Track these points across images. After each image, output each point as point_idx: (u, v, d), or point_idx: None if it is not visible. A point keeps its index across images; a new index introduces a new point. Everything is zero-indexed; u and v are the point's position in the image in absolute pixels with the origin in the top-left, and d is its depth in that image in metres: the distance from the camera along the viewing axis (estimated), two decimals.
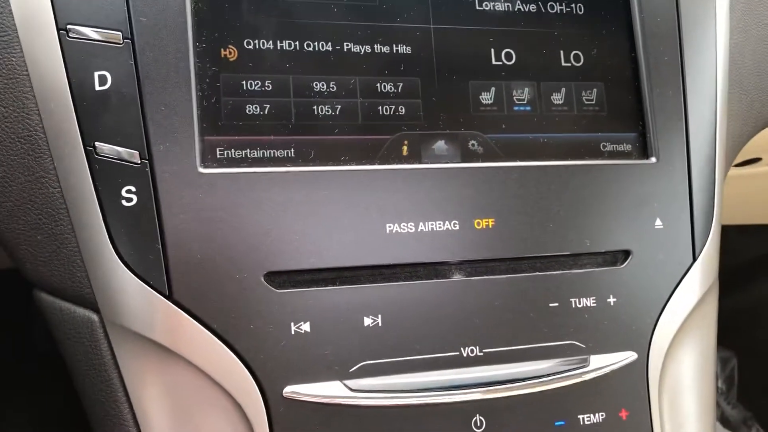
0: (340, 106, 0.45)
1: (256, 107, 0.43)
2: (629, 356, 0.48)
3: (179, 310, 0.40)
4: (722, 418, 1.33)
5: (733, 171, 0.93)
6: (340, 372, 0.42)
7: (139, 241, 0.40)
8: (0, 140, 0.40)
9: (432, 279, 0.45)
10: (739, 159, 0.88)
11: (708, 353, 0.51)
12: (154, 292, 0.40)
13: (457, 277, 0.45)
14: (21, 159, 0.40)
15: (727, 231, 1.28)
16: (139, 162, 0.40)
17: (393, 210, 0.44)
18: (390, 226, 0.44)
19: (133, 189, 0.40)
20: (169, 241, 0.40)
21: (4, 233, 0.41)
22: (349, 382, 0.42)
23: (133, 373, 0.41)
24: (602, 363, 0.47)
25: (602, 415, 0.47)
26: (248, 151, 0.43)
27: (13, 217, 0.41)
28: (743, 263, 1.33)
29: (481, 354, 0.45)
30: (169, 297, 0.40)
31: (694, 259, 0.50)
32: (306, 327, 0.42)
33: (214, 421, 0.41)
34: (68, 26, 0.40)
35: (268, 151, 0.43)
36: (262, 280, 0.42)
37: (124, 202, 0.40)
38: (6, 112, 0.40)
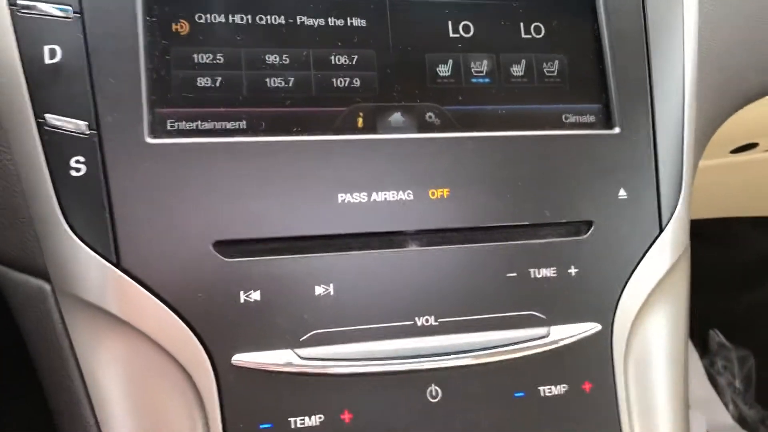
0: (293, 79, 0.45)
1: (207, 80, 0.44)
2: (592, 327, 0.47)
3: (128, 278, 0.41)
4: (740, 418, 1.30)
5: (735, 158, 0.92)
6: (290, 341, 0.42)
7: (87, 211, 0.41)
8: None
9: (386, 249, 0.45)
10: (735, 144, 0.87)
11: (678, 324, 0.50)
12: (103, 260, 0.41)
13: (412, 247, 0.45)
14: None
15: (739, 224, 1.26)
16: (88, 133, 0.41)
17: (345, 180, 0.44)
18: (342, 196, 0.44)
19: (82, 159, 0.41)
20: (117, 210, 0.41)
21: None
22: (299, 351, 0.42)
23: (84, 343, 0.42)
24: (564, 334, 0.46)
25: (564, 387, 0.46)
26: (199, 123, 0.43)
27: None
28: (758, 258, 1.30)
29: (437, 324, 0.45)
30: (118, 265, 0.41)
31: (661, 230, 0.49)
32: (256, 296, 0.42)
33: (164, 390, 0.41)
34: (18, 1, 0.41)
35: (219, 123, 0.43)
36: (211, 249, 0.42)
37: (73, 173, 0.41)
38: None
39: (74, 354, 0.42)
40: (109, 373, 0.41)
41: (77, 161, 0.41)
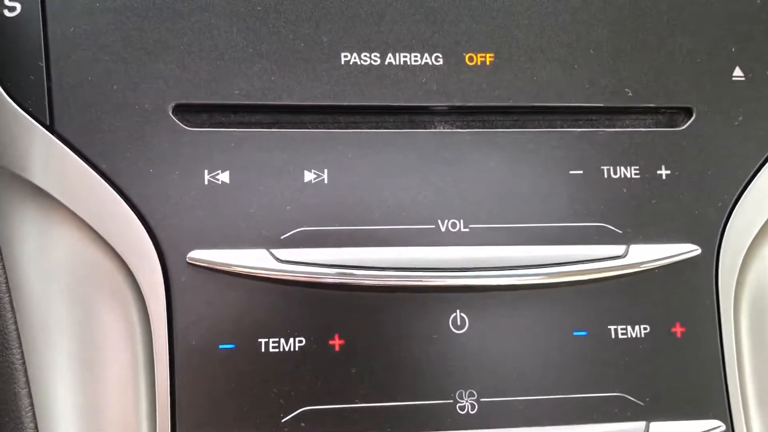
0: None
1: None
2: (688, 250, 0.34)
3: (62, 144, 0.32)
4: None
5: None
6: (266, 238, 0.32)
7: (19, 59, 0.32)
8: None
9: (402, 128, 0.34)
10: None
11: None
12: (33, 120, 0.32)
13: (437, 129, 0.34)
14: None
15: None
16: None
17: (351, 34, 0.33)
18: (347, 56, 0.33)
19: None
20: (54, 58, 0.32)
21: None
22: (277, 252, 0.32)
23: (5, 227, 0.33)
24: (647, 256, 0.33)
25: (645, 329, 0.33)
26: None
27: None
28: None
29: (466, 230, 0.33)
30: (50, 128, 0.32)
31: None
32: (224, 177, 0.32)
33: (98, 292, 0.32)
34: None
35: None
36: (170, 113, 0.32)
37: (6, 12, 0.32)
38: None
39: None
40: (33, 268, 0.32)
41: None
